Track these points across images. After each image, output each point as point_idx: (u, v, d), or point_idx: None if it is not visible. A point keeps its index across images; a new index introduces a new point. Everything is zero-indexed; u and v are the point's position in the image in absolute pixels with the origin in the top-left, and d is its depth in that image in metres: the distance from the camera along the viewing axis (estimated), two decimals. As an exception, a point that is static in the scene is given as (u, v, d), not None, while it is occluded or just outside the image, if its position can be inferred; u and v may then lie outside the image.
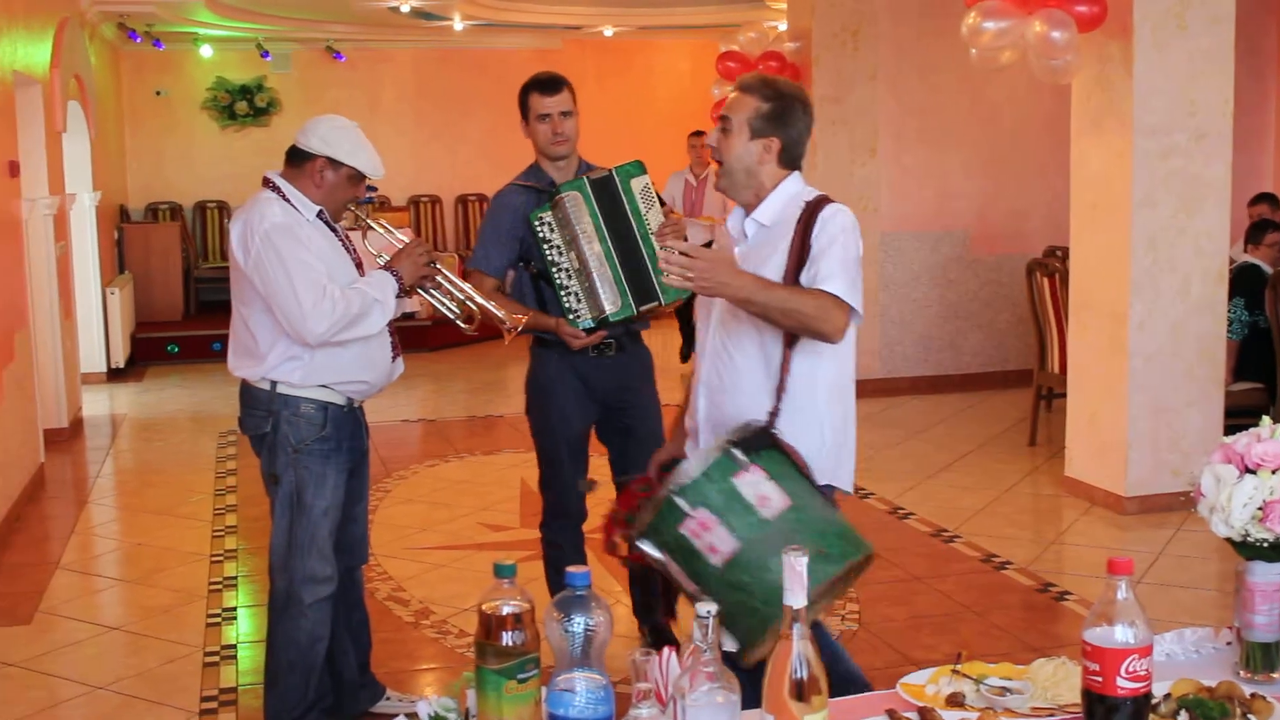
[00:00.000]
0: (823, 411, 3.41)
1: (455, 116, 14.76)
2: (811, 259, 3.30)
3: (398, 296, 4.26)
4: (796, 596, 1.99)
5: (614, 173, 4.67)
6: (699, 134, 11.04)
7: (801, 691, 1.97)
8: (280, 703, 4.26)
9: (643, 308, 4.63)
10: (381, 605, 5.62)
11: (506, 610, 2.03)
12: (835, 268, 3.26)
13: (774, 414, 3.30)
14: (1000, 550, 6.37)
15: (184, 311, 13.66)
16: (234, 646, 5.28)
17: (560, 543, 5.02)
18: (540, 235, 4.59)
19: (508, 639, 2.02)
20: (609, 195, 4.63)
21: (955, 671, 2.45)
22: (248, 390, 4.21)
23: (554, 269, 4.60)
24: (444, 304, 4.35)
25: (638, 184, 4.67)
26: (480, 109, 14.60)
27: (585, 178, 4.66)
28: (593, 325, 4.63)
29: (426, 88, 14.78)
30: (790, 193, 3.41)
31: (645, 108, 14.76)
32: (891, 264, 10.24)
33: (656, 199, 4.73)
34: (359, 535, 4.52)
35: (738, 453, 3.00)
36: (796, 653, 1.98)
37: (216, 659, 5.17)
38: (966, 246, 10.48)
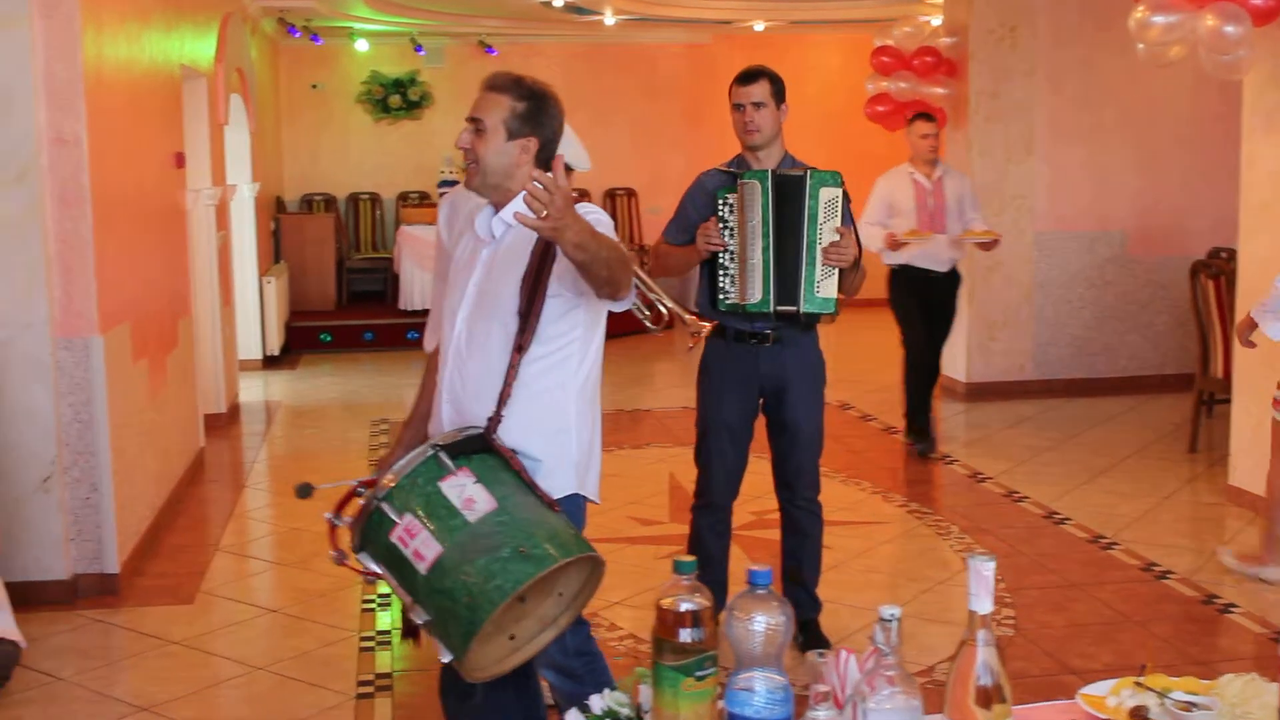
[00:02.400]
0: (571, 421, 3.33)
1: (605, 111, 14.79)
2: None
3: None
4: (982, 602, 1.94)
5: (808, 174, 4.76)
6: (927, 118, 8.30)
7: (986, 698, 1.93)
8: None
9: (780, 308, 4.78)
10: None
11: (685, 607, 2.02)
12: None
13: (494, 419, 3.18)
14: (1160, 559, 6.21)
15: (336, 301, 13.90)
16: (388, 633, 5.35)
17: (704, 536, 5.14)
18: (720, 214, 4.82)
19: (686, 636, 2.00)
20: (791, 194, 4.73)
21: (1138, 684, 2.38)
22: None
23: (721, 252, 4.82)
24: (635, 304, 4.35)
25: (826, 194, 4.74)
26: (629, 104, 14.62)
27: (770, 170, 4.77)
28: (728, 309, 4.86)
29: (576, 82, 14.81)
30: None
31: (794, 104, 14.65)
32: (1046, 264, 10.02)
33: (841, 215, 4.77)
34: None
35: (444, 456, 2.96)
36: (981, 660, 1.93)
37: (372, 644, 5.24)
38: (1124, 247, 10.23)
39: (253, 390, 10.79)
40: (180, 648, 5.23)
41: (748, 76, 4.89)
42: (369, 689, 4.82)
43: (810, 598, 5.19)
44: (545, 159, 3.32)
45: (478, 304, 3.28)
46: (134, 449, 6.22)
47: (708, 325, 4.57)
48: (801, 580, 5.18)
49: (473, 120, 3.26)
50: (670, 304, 4.37)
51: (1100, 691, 2.39)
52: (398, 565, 2.90)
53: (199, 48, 8.68)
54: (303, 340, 12.88)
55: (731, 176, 4.85)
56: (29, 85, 5.47)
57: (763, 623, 1.96)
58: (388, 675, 4.94)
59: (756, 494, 5.75)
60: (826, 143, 12.65)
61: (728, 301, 4.83)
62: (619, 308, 3.28)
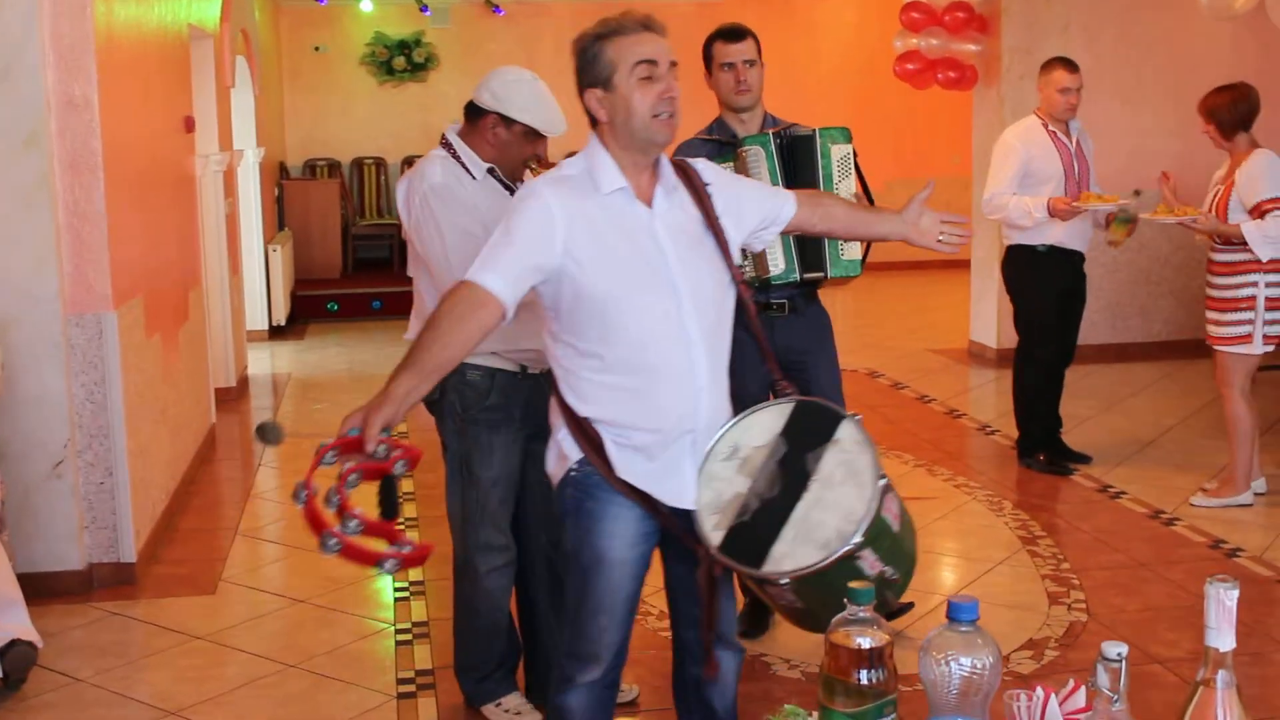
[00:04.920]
0: None
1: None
2: None
3: None
4: (1222, 637, 1.65)
5: (817, 134, 4.47)
6: (1069, 65, 6.85)
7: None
8: (467, 659, 4.24)
9: (807, 276, 4.52)
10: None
11: (863, 643, 1.72)
12: None
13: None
14: (1228, 536, 5.92)
15: (342, 269, 13.59)
16: (426, 624, 5.05)
17: None
18: None
19: (865, 677, 1.71)
20: (804, 155, 4.45)
21: None
22: None
23: None
24: None
25: (839, 151, 4.48)
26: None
27: (772, 132, 4.47)
28: (747, 283, 4.44)
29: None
30: None
31: (807, 63, 14.30)
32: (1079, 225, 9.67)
33: (854, 170, 4.49)
34: (542, 511, 4.25)
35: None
36: (1221, 703, 1.65)
37: (409, 637, 4.94)
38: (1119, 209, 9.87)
39: (260, 362, 10.46)
40: (204, 643, 4.92)
41: (735, 34, 4.58)
42: (410, 687, 4.53)
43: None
44: None
45: (691, 280, 2.97)
46: (148, 429, 5.90)
47: None
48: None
49: (674, 65, 2.98)
50: None
51: None
52: (884, 536, 2.83)
53: (205, 6, 8.31)
54: (309, 309, 12.56)
55: (720, 145, 4.54)
56: (36, 45, 5.12)
57: (965, 665, 1.65)
58: (429, 672, 4.64)
59: None
60: (844, 102, 12.30)
61: (745, 276, 4.47)
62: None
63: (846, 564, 2.73)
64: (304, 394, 9.53)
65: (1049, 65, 6.89)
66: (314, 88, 14.52)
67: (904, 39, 9.77)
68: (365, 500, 2.58)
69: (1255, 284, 6.05)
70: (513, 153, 3.94)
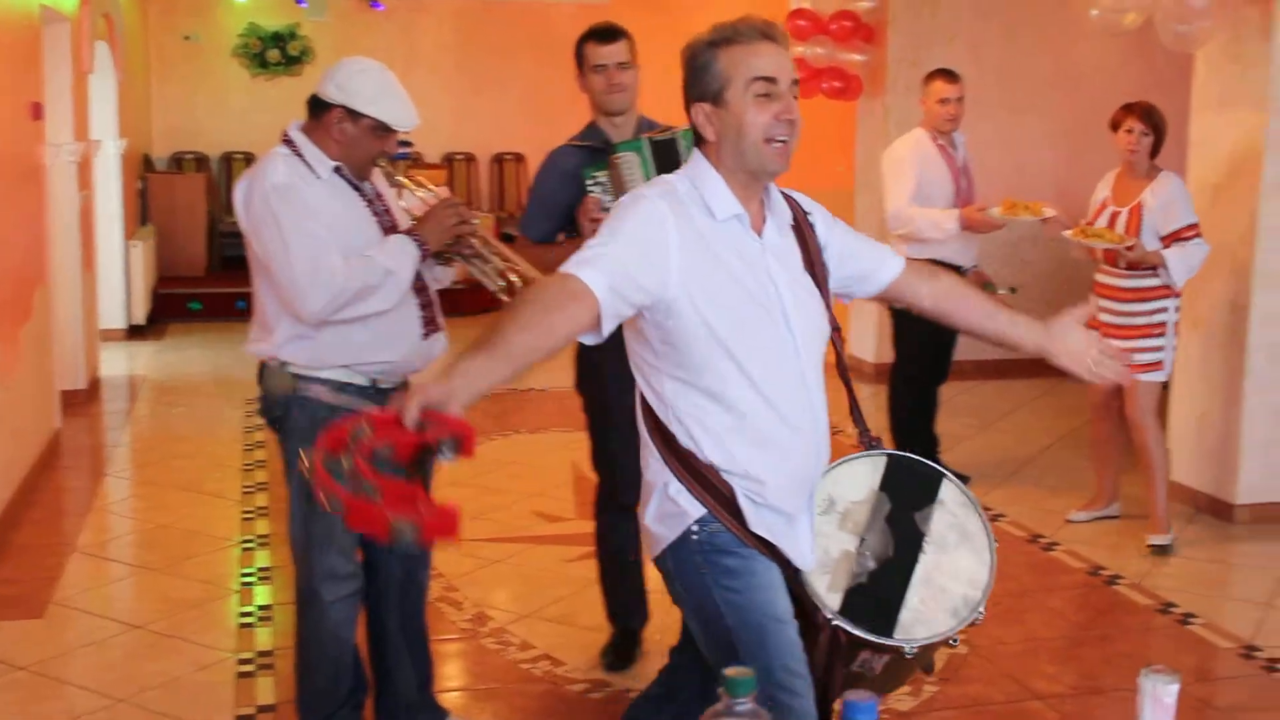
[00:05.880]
0: None
1: (495, 71, 14.13)
2: None
3: (438, 264, 3.77)
4: None
5: (678, 135, 4.20)
6: (950, 76, 6.69)
7: None
8: (311, 698, 3.89)
9: None
10: (433, 607, 5.05)
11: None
12: None
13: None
14: (1106, 562, 5.79)
15: (208, 267, 13.12)
16: (271, 653, 4.72)
17: (614, 538, 4.65)
18: (592, 194, 4.21)
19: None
20: (669, 159, 4.16)
21: None
22: (261, 369, 3.74)
23: None
24: (484, 273, 3.77)
25: None
26: (521, 64, 13.96)
27: (645, 137, 4.22)
28: None
29: (467, 39, 14.15)
30: None
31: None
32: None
33: None
34: None
35: None
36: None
37: (252, 668, 4.61)
38: (1041, 225, 9.82)
39: (115, 363, 9.97)
40: (28, 675, 4.54)
41: (608, 34, 4.34)
42: (250, 725, 4.21)
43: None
44: None
45: (802, 320, 2.69)
46: (-22, 437, 5.49)
47: None
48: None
49: (797, 82, 2.66)
50: (527, 269, 3.80)
51: None
52: None
53: (59, -12, 7.86)
54: (171, 309, 12.07)
55: (593, 151, 4.29)
56: None
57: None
58: (270, 708, 4.32)
59: None
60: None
61: None
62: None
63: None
64: (160, 397, 9.10)
65: (930, 77, 6.74)
66: (183, 78, 14.00)
67: (792, 46, 9.60)
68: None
69: (1166, 309, 5.85)
70: (360, 149, 3.64)
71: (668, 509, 2.67)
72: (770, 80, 2.57)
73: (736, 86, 2.58)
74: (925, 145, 6.62)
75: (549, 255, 4.22)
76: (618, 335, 4.33)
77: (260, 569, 5.58)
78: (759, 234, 2.67)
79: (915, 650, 2.62)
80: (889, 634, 2.63)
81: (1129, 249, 5.71)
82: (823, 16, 9.42)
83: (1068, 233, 6.00)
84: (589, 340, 2.49)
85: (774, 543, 2.67)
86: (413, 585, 4.01)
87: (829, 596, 2.66)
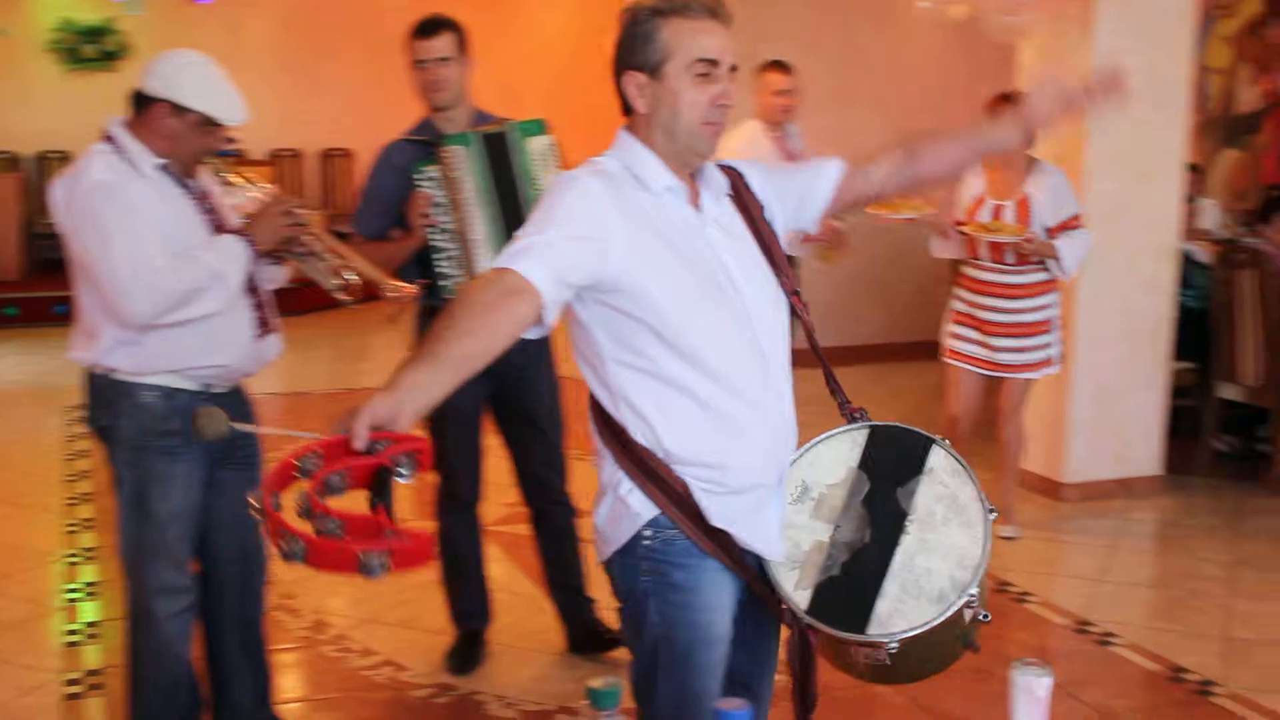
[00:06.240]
0: None
1: (322, 66, 13.87)
2: None
3: (270, 263, 3.67)
4: None
5: (510, 128, 4.20)
6: (782, 68, 6.81)
7: None
8: (143, 716, 3.73)
9: None
10: (270, 616, 4.89)
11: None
12: None
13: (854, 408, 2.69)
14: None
15: (23, 270, 12.66)
16: (100, 674, 4.54)
17: (456, 538, 4.60)
18: (423, 190, 4.18)
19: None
20: (499, 153, 4.18)
21: None
22: (86, 377, 3.58)
23: (433, 229, 4.20)
24: (318, 272, 3.68)
25: (537, 144, 4.21)
26: (350, 58, 13.72)
27: (475, 131, 4.19)
28: (453, 296, 4.11)
29: (293, 33, 13.85)
30: None
31: (526, 60, 14.02)
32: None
33: (557, 163, 4.24)
34: (254, 541, 3.86)
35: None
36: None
37: (79, 689, 4.43)
38: (870, 212, 9.96)
39: (-75, 373, 9.57)
40: None
41: (429, 28, 4.28)
42: (78, 747, 4.05)
43: (585, 598, 4.73)
44: None
45: (753, 291, 2.57)
46: None
47: (410, 289, 3.91)
48: (571, 583, 4.71)
49: (735, 69, 2.51)
50: (363, 267, 3.72)
51: None
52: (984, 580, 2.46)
53: None
54: (-15, 315, 11.63)
55: (425, 146, 4.24)
56: None
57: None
58: (101, 730, 4.17)
59: (504, 484, 5.02)
60: (559, 101, 12.05)
61: (455, 287, 4.20)
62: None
63: (959, 618, 2.40)
64: (-26, 408, 8.74)
65: (763, 68, 6.79)
66: (-8, 74, 13.49)
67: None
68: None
69: (1051, 304, 5.75)
70: (187, 145, 3.51)
71: (619, 511, 2.54)
72: (713, 63, 2.46)
73: (677, 63, 2.46)
74: (759, 136, 6.65)
75: (384, 252, 4.15)
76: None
77: (87, 584, 5.37)
78: (696, 207, 2.57)
79: (896, 647, 2.37)
80: (862, 629, 2.40)
81: (1027, 241, 5.52)
82: (655, 9, 9.42)
83: (968, 228, 5.63)
84: (533, 334, 2.37)
85: (736, 533, 2.51)
86: (250, 596, 3.89)
87: (797, 595, 2.47)
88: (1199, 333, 6.99)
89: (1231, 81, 9.65)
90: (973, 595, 2.36)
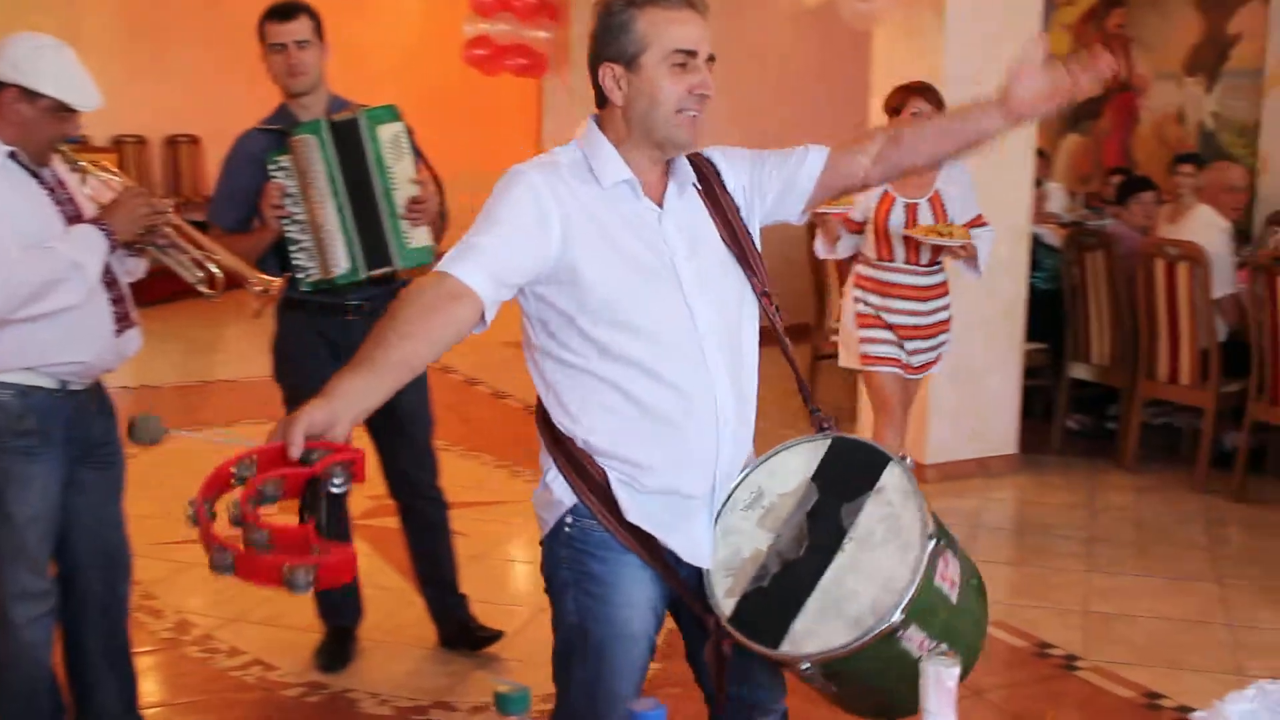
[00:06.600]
0: None
1: (166, 49, 13.47)
2: None
3: (128, 255, 3.57)
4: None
5: (360, 116, 4.11)
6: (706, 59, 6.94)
7: None
8: None
9: (374, 272, 4.15)
10: (131, 618, 4.77)
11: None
12: None
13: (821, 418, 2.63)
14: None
15: None
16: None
17: None
18: (276, 180, 4.10)
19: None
20: (350, 141, 4.09)
21: None
22: None
23: (286, 221, 4.09)
24: (180, 264, 3.59)
25: (387, 131, 4.12)
26: (194, 42, 13.35)
27: (324, 119, 4.11)
28: (311, 288, 4.15)
29: (135, 16, 13.45)
30: None
31: (375, 46, 13.81)
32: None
33: (410, 150, 4.17)
34: (117, 543, 3.76)
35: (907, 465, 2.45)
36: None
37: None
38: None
39: None
40: None
41: (287, 11, 4.17)
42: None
43: (457, 595, 4.68)
44: None
45: (706, 291, 2.52)
46: None
47: (277, 281, 3.84)
48: (442, 579, 4.64)
49: (712, 60, 2.48)
50: (227, 259, 3.64)
51: None
52: (936, 612, 2.30)
53: None
54: None
55: (280, 135, 4.15)
56: None
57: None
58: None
59: (369, 475, 4.98)
60: (410, 88, 11.90)
61: (310, 279, 4.14)
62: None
63: (887, 645, 2.26)
64: None
65: None
66: None
67: (474, 24, 9.51)
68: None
69: (950, 303, 5.46)
70: (39, 132, 3.37)
71: (545, 496, 2.57)
72: (690, 53, 2.44)
73: (653, 54, 2.43)
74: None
75: (241, 244, 4.02)
76: (288, 331, 4.20)
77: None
78: (658, 201, 2.53)
79: (809, 667, 2.29)
80: (775, 645, 2.32)
81: (964, 249, 5.17)
82: (506, -8, 9.37)
83: (917, 233, 5.18)
84: (476, 331, 2.36)
85: (655, 535, 2.50)
86: (114, 600, 3.78)
87: (725, 602, 2.42)
88: (1050, 314, 7.16)
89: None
90: (896, 622, 2.23)
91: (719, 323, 2.52)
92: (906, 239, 5.22)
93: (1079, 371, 7.16)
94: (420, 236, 4.17)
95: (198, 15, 13.42)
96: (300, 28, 4.15)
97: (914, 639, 2.25)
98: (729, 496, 2.52)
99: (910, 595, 2.22)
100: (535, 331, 2.54)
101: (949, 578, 2.33)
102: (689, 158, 2.59)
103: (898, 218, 5.25)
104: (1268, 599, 5.20)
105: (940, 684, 1.44)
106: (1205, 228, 6.68)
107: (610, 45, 2.47)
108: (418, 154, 4.22)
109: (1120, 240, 6.92)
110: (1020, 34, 6.40)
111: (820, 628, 2.28)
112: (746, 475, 2.53)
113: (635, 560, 2.52)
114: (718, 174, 2.64)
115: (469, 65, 9.81)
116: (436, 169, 4.30)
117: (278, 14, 4.17)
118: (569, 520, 2.53)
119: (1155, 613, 5.07)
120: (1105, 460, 7.04)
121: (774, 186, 2.66)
